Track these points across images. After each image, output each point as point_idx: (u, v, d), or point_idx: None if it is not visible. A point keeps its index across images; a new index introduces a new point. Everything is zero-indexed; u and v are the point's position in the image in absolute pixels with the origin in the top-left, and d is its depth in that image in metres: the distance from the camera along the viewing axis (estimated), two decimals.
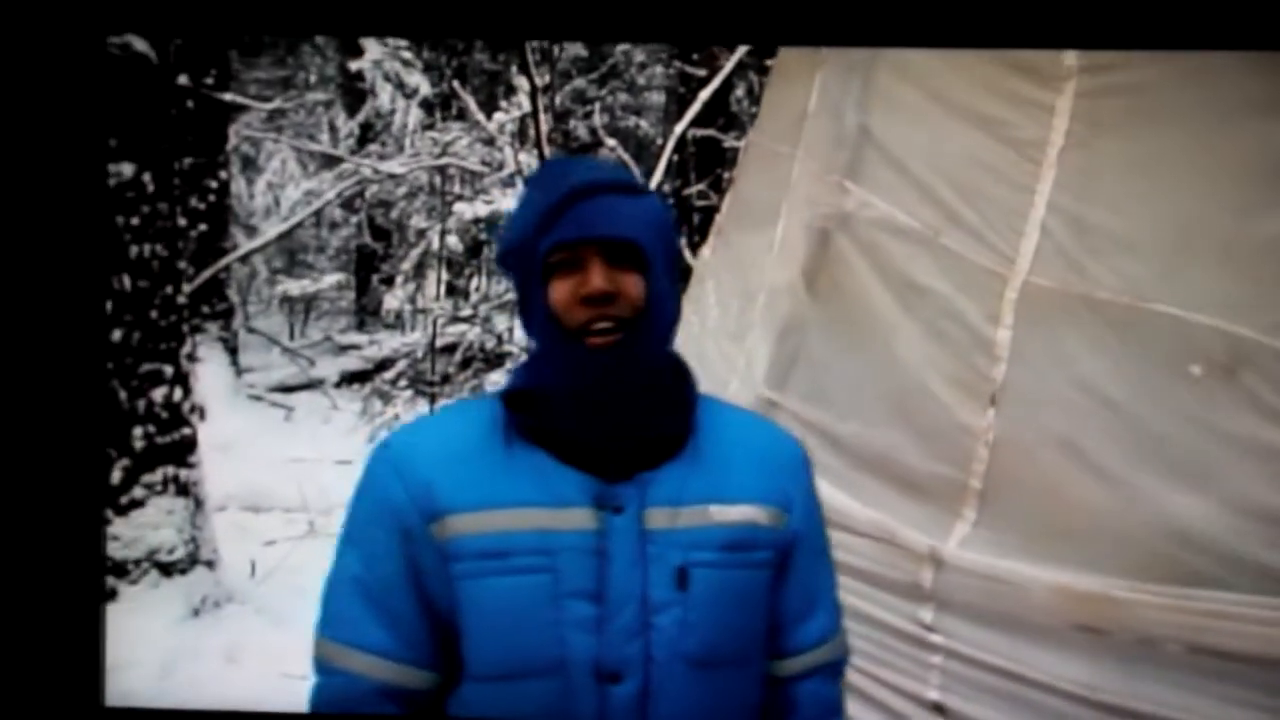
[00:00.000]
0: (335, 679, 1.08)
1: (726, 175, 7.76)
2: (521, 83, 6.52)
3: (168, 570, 3.39)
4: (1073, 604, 1.75)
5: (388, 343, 7.06)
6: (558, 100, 7.62)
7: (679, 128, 6.44)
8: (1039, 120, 1.91)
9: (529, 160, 6.34)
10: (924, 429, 2.05)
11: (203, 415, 3.84)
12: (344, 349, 8.00)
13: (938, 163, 2.08)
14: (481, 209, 6.21)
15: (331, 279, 8.07)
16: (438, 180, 6.66)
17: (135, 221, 3.31)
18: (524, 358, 1.14)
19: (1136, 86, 1.80)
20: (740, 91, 8.53)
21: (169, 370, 3.44)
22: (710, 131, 7.39)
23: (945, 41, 1.60)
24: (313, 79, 9.84)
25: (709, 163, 8.12)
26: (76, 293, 1.25)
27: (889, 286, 2.14)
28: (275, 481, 4.87)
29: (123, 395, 3.31)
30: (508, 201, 6.18)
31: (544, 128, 5.22)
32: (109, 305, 3.25)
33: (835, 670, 1.17)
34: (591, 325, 1.02)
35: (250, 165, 9.53)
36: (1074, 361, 1.84)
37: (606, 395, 1.03)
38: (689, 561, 1.04)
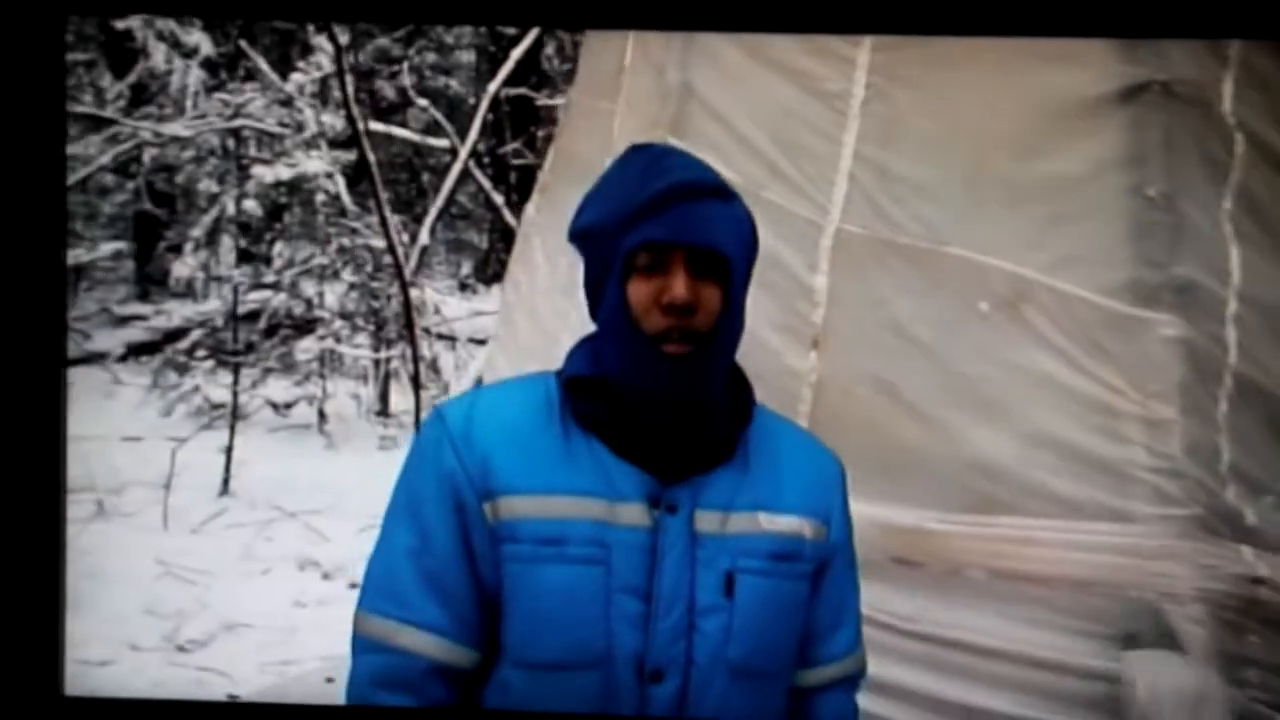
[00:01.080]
0: (385, 657, 1.03)
1: (541, 133, 7.73)
2: (320, 42, 6.21)
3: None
4: (890, 538, 1.87)
5: (178, 312, 6.60)
6: (360, 59, 7.31)
7: (492, 87, 6.34)
8: (843, 73, 2.00)
9: (332, 121, 6.06)
10: (753, 373, 2.12)
11: None
12: (124, 320, 7.41)
13: (757, 117, 2.14)
14: (284, 172, 5.89)
15: (108, 248, 7.41)
16: (230, 143, 6.25)
17: None
18: (584, 339, 1.12)
19: (924, 39, 1.91)
20: (551, 50, 8.48)
21: None
22: (523, 90, 7.33)
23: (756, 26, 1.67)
24: (69, 37, 8.95)
25: (523, 121, 8.05)
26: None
27: None
28: None
29: None
30: (311, 164, 5.88)
31: (350, 88, 5.01)
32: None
33: (854, 683, 1.20)
34: (667, 332, 1.01)
35: None
36: (885, 304, 1.95)
37: (674, 401, 1.03)
38: (737, 567, 1.05)
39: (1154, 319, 1.74)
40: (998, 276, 1.84)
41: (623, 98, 2.44)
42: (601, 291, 1.07)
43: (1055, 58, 1.85)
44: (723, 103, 2.19)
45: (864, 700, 1.77)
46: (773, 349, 2.06)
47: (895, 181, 1.97)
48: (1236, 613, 1.64)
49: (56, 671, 1.23)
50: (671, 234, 1.02)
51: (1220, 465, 1.72)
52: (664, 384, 1.03)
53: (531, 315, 2.75)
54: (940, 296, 1.90)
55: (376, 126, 6.32)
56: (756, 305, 2.05)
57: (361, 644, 1.06)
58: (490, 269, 8.05)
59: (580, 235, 1.10)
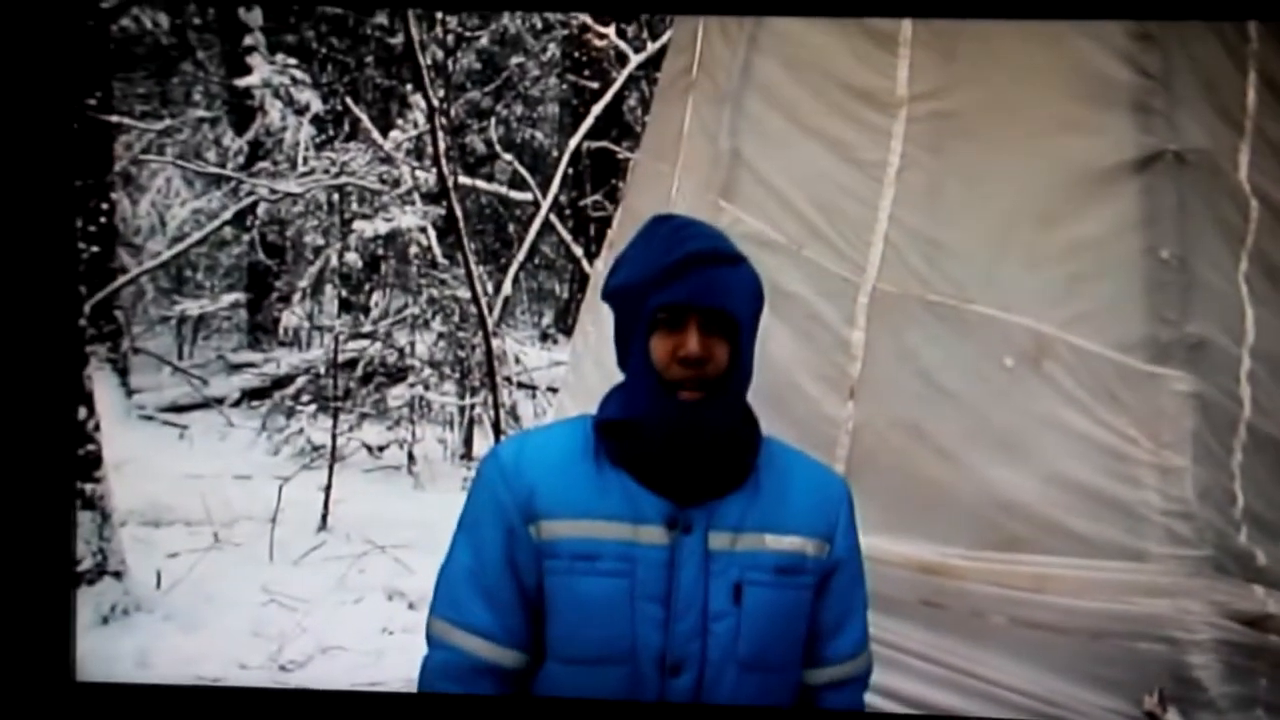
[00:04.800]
0: (443, 653, 1.26)
1: (621, 185, 8.02)
2: (418, 100, 6.62)
3: (75, 580, 3.44)
4: (919, 575, 2.00)
5: (285, 360, 7.04)
6: (452, 113, 7.73)
7: (574, 140, 6.64)
8: (880, 143, 2.16)
9: (426, 177, 6.43)
10: (795, 420, 2.27)
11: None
12: (237, 368, 7.92)
13: (800, 182, 2.31)
14: (381, 226, 6.29)
15: (227, 298, 7.97)
16: (334, 198, 6.70)
17: None
18: (615, 388, 1.32)
19: (956, 111, 2.07)
20: (633, 102, 8.78)
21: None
22: (604, 143, 7.62)
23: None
24: (196, 96, 9.68)
25: (604, 173, 8.34)
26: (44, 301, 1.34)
27: None
28: (175, 496, 4.89)
29: None
30: (406, 218, 6.27)
31: (442, 145, 5.35)
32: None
33: (860, 682, 1.37)
34: (683, 381, 1.21)
35: (132, 184, 9.31)
36: (916, 356, 2.09)
37: (688, 439, 1.22)
38: (744, 579, 1.24)
39: (1167, 374, 1.84)
40: (1020, 332, 1.97)
41: (680, 161, 2.65)
42: (628, 344, 1.26)
43: (1074, 129, 1.99)
44: (768, 169, 2.37)
45: (892, 710, 1.90)
46: (812, 398, 2.22)
47: (926, 243, 2.12)
48: (1246, 656, 1.72)
49: (68, 658, 1.33)
50: (687, 297, 1.21)
51: (1234, 510, 1.81)
52: (678, 424, 1.22)
53: (599, 364, 2.95)
54: (967, 350, 2.03)
55: (465, 180, 6.67)
56: (797, 357, 2.26)
57: (430, 640, 1.28)
58: (570, 319, 8.33)
59: (611, 295, 1.30)
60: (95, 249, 6.37)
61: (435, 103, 5.22)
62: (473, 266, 4.81)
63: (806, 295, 2.26)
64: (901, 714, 1.81)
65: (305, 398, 5.89)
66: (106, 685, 1.40)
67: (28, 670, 1.31)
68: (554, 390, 5.97)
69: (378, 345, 6.14)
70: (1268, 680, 1.70)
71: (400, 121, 7.26)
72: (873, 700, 1.79)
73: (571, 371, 3.42)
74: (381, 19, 9.12)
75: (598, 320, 3.19)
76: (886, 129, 2.19)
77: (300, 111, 7.74)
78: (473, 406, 5.87)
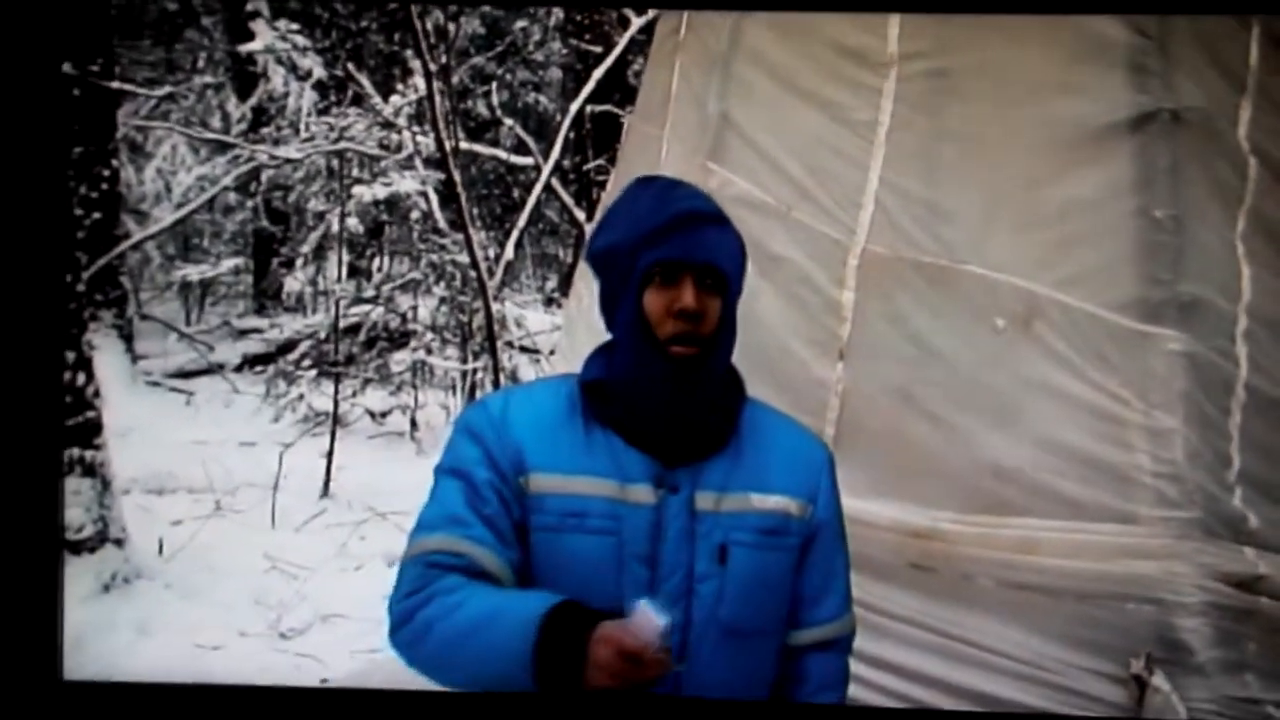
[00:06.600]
0: (445, 557, 1.19)
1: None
2: (419, 64, 6.54)
3: (76, 548, 3.48)
4: (908, 539, 1.98)
5: (289, 325, 7.04)
6: (456, 79, 7.64)
7: (576, 104, 6.56)
8: (870, 102, 2.12)
9: (426, 142, 6.38)
10: (785, 384, 2.25)
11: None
12: (243, 333, 7.93)
13: (789, 144, 2.28)
14: (380, 191, 6.25)
15: (230, 263, 7.97)
16: (335, 163, 6.65)
17: None
18: (599, 348, 1.29)
19: (945, 71, 2.03)
20: (637, 66, 8.66)
21: (71, 355, 3.53)
22: (607, 107, 7.51)
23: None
24: (200, 62, 9.61)
25: (607, 138, 8.23)
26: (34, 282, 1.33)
27: (750, 257, 2.33)
28: (179, 464, 4.91)
29: None
30: (406, 183, 6.23)
31: (441, 111, 5.29)
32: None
33: (843, 645, 1.35)
34: (677, 336, 1.20)
35: (138, 151, 9.28)
36: (906, 319, 2.07)
37: (678, 396, 1.22)
38: (729, 540, 1.23)
39: (1158, 334, 1.82)
40: (1010, 293, 1.94)
41: (669, 125, 2.61)
42: (618, 303, 1.25)
43: (1067, 89, 1.95)
44: (757, 131, 2.33)
45: (880, 677, 1.90)
46: (802, 360, 2.20)
47: (916, 204, 2.08)
48: (1235, 619, 1.70)
49: (55, 657, 1.32)
50: (682, 253, 1.21)
51: (1229, 472, 1.79)
52: (670, 380, 1.21)
53: (590, 329, 2.94)
54: (957, 312, 2.01)
55: (467, 145, 6.61)
56: (787, 320, 2.23)
57: (420, 555, 1.21)
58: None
59: (598, 256, 1.28)
60: (98, 215, 6.37)
61: (433, 67, 5.14)
62: (472, 232, 4.78)
63: (796, 258, 2.23)
64: (890, 709, 1.80)
65: (306, 363, 5.88)
66: (92, 683, 1.40)
67: (13, 669, 1.30)
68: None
69: (379, 310, 6.13)
70: (1257, 645, 1.68)
71: (401, 87, 7.19)
72: (860, 667, 1.80)
73: (565, 335, 3.41)
74: None
75: (591, 285, 3.17)
76: (877, 88, 2.15)
77: (303, 77, 7.69)
78: (475, 371, 5.87)
